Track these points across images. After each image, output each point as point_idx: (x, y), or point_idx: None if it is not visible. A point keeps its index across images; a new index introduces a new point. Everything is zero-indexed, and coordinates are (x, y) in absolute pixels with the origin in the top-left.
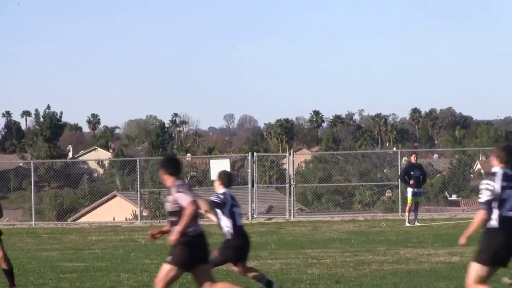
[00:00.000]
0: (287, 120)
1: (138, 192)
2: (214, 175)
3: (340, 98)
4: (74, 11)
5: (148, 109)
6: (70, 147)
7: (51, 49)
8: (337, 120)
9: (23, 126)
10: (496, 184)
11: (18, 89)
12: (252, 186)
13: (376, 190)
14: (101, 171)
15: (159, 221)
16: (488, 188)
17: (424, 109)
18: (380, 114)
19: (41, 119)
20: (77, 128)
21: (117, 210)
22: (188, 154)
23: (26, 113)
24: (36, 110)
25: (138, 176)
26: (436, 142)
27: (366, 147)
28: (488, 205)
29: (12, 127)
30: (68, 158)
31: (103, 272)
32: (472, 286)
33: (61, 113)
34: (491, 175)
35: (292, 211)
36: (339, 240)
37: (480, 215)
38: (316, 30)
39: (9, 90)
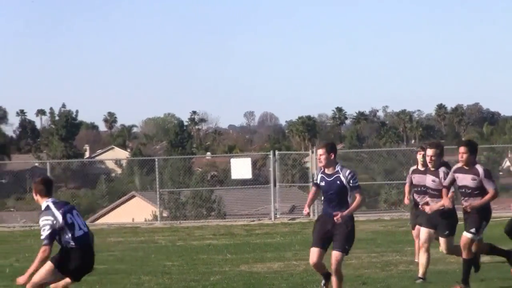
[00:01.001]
0: (309, 117)
1: (157, 192)
2: (235, 174)
3: (363, 94)
4: (89, 8)
5: (166, 107)
6: (87, 147)
7: (65, 46)
8: (361, 117)
9: (38, 125)
10: None
11: (33, 88)
12: (274, 185)
13: (402, 188)
14: (119, 170)
15: (179, 222)
16: None
17: (450, 105)
18: (405, 110)
19: (56, 118)
20: (93, 127)
21: (136, 211)
22: (208, 153)
23: (41, 112)
24: (51, 108)
25: (157, 176)
26: (463, 138)
27: (391, 144)
28: None
29: (27, 126)
30: (85, 157)
31: (123, 274)
32: None
33: (77, 111)
34: None
35: (316, 210)
36: (365, 241)
37: None
38: (338, 24)
39: (24, 88)
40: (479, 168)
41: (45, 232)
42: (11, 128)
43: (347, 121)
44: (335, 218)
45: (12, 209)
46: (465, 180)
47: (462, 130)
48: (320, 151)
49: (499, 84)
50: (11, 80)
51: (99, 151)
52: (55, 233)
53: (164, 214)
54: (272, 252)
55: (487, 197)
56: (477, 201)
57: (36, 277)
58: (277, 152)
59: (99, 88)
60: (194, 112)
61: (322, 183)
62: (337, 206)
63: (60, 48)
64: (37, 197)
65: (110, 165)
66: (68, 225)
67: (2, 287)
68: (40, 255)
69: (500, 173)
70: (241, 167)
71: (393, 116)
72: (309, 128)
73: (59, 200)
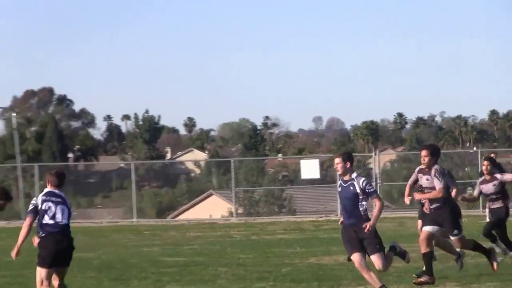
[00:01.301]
0: (372, 122)
1: (233, 191)
2: (304, 174)
3: (422, 100)
4: (168, 18)
5: (241, 113)
6: (168, 149)
7: (149, 55)
8: (420, 121)
9: (123, 129)
10: None
11: (118, 94)
12: None
13: (459, 188)
14: (197, 171)
15: (253, 218)
16: None
17: (502, 110)
18: (460, 115)
19: (140, 123)
20: (174, 131)
21: (214, 208)
22: (280, 155)
23: (126, 117)
24: (135, 114)
25: (233, 176)
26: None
27: (448, 147)
28: None
29: (113, 130)
30: (167, 159)
31: (202, 266)
32: None
33: (159, 117)
34: None
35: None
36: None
37: None
38: (397, 33)
39: (110, 95)
40: (433, 168)
41: (29, 208)
42: (98, 132)
43: (407, 126)
44: (365, 230)
45: (99, 206)
46: (424, 180)
47: None
48: (337, 160)
49: None
50: (99, 88)
51: (179, 153)
52: (36, 210)
53: (239, 211)
54: (338, 246)
55: (431, 193)
56: (419, 195)
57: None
58: None
59: (180, 95)
60: (267, 117)
61: (339, 189)
62: (351, 213)
63: (143, 57)
64: (48, 185)
65: (190, 166)
66: (42, 210)
67: (90, 277)
68: (24, 224)
69: None
70: (310, 168)
71: (450, 121)
72: (372, 132)
73: (58, 192)
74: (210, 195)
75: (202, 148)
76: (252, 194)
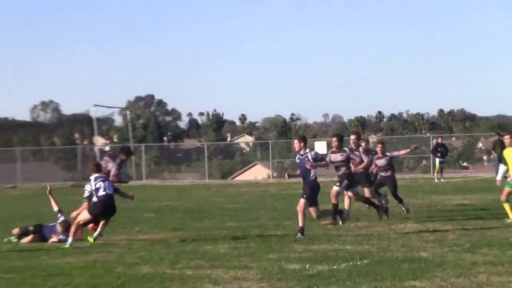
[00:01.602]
0: (361, 117)
1: (270, 162)
2: (317, 151)
3: (395, 100)
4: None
5: (276, 110)
6: (228, 134)
7: (218, 69)
8: (392, 116)
9: (199, 122)
10: None
11: (197, 98)
12: None
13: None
14: (247, 149)
15: (283, 179)
16: None
17: (446, 109)
18: (419, 112)
19: (211, 117)
20: (232, 122)
21: (258, 173)
22: None
23: (201, 114)
24: (207, 111)
25: (270, 152)
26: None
27: (410, 133)
28: None
29: (193, 122)
30: (227, 141)
31: (250, 210)
32: None
33: (223, 113)
34: None
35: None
36: None
37: None
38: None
39: (191, 98)
40: (344, 150)
41: (85, 194)
42: (183, 123)
43: (384, 119)
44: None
45: (184, 172)
46: (336, 157)
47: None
48: (295, 141)
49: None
50: (184, 93)
51: (236, 137)
52: (91, 195)
53: (274, 175)
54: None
55: (323, 163)
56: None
57: (81, 217)
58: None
59: (237, 98)
60: (293, 114)
61: (298, 161)
62: (304, 176)
63: (215, 70)
64: (90, 173)
65: (242, 145)
66: (96, 189)
67: (178, 217)
68: (81, 207)
69: (476, 150)
70: (320, 147)
71: (412, 116)
72: (361, 123)
73: (100, 175)
74: (255, 164)
75: (250, 134)
76: (283, 164)
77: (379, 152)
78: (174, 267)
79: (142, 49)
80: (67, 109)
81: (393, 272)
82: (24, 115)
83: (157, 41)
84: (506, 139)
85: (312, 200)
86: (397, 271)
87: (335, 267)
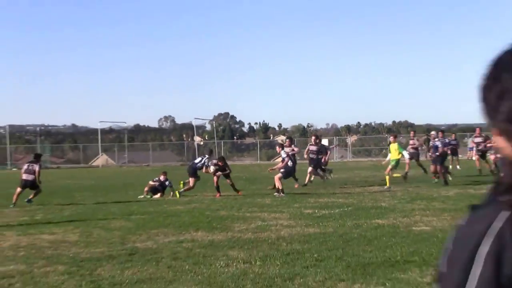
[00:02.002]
0: (348, 125)
1: None
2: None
3: (367, 112)
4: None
5: (298, 121)
6: (271, 135)
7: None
8: (366, 125)
9: (255, 128)
10: None
11: (254, 112)
12: None
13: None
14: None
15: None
16: None
17: (400, 119)
18: (382, 122)
19: (261, 126)
20: (273, 128)
21: None
22: (313, 137)
23: (256, 123)
24: (259, 122)
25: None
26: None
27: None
28: None
29: (251, 128)
30: (271, 138)
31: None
32: None
33: (268, 123)
34: None
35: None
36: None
37: None
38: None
39: (252, 113)
40: (318, 144)
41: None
42: (245, 128)
43: (361, 126)
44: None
45: (245, 157)
46: (313, 148)
47: None
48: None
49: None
50: (248, 110)
51: (275, 137)
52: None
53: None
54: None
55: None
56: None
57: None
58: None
59: (277, 110)
60: (308, 123)
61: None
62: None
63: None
64: (210, 160)
65: (279, 141)
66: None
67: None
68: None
69: None
70: (324, 143)
71: (377, 125)
72: (348, 129)
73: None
74: None
75: (284, 134)
76: (302, 152)
77: (313, 141)
78: (239, 211)
79: (223, 78)
80: (179, 120)
81: (366, 214)
82: (153, 123)
83: (234, 73)
84: (391, 138)
85: (286, 175)
86: (367, 214)
87: (332, 211)
